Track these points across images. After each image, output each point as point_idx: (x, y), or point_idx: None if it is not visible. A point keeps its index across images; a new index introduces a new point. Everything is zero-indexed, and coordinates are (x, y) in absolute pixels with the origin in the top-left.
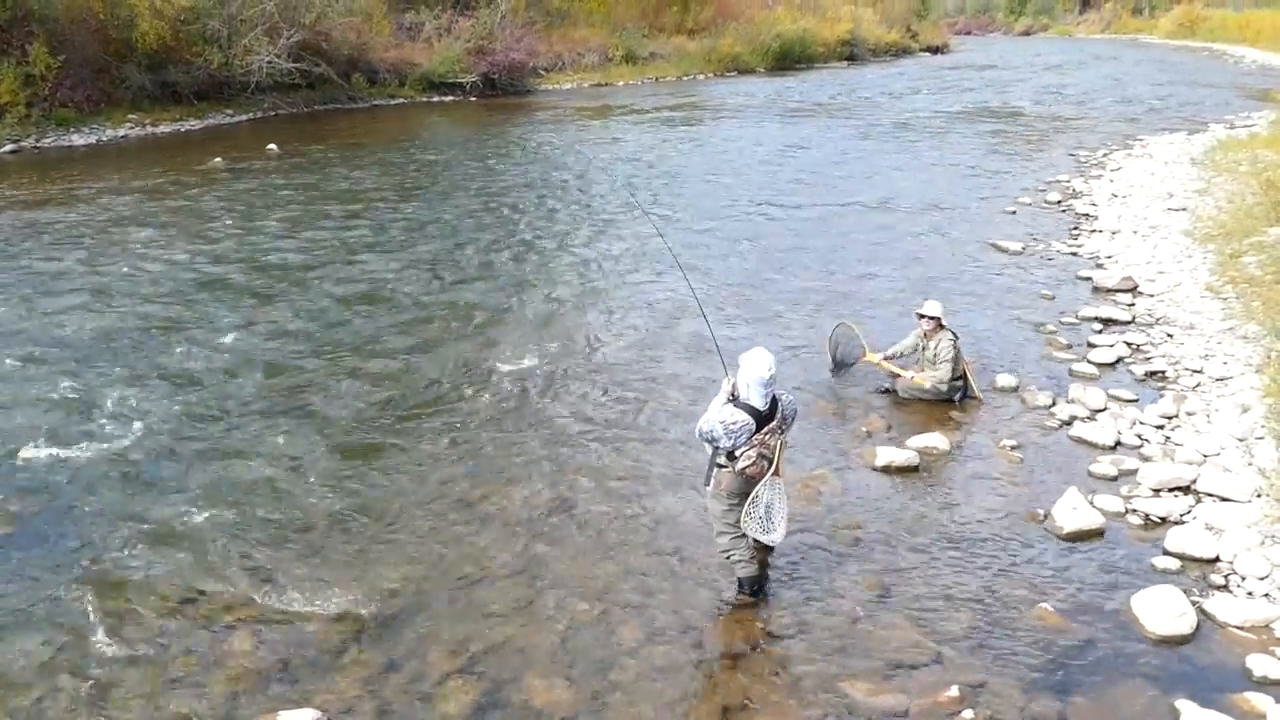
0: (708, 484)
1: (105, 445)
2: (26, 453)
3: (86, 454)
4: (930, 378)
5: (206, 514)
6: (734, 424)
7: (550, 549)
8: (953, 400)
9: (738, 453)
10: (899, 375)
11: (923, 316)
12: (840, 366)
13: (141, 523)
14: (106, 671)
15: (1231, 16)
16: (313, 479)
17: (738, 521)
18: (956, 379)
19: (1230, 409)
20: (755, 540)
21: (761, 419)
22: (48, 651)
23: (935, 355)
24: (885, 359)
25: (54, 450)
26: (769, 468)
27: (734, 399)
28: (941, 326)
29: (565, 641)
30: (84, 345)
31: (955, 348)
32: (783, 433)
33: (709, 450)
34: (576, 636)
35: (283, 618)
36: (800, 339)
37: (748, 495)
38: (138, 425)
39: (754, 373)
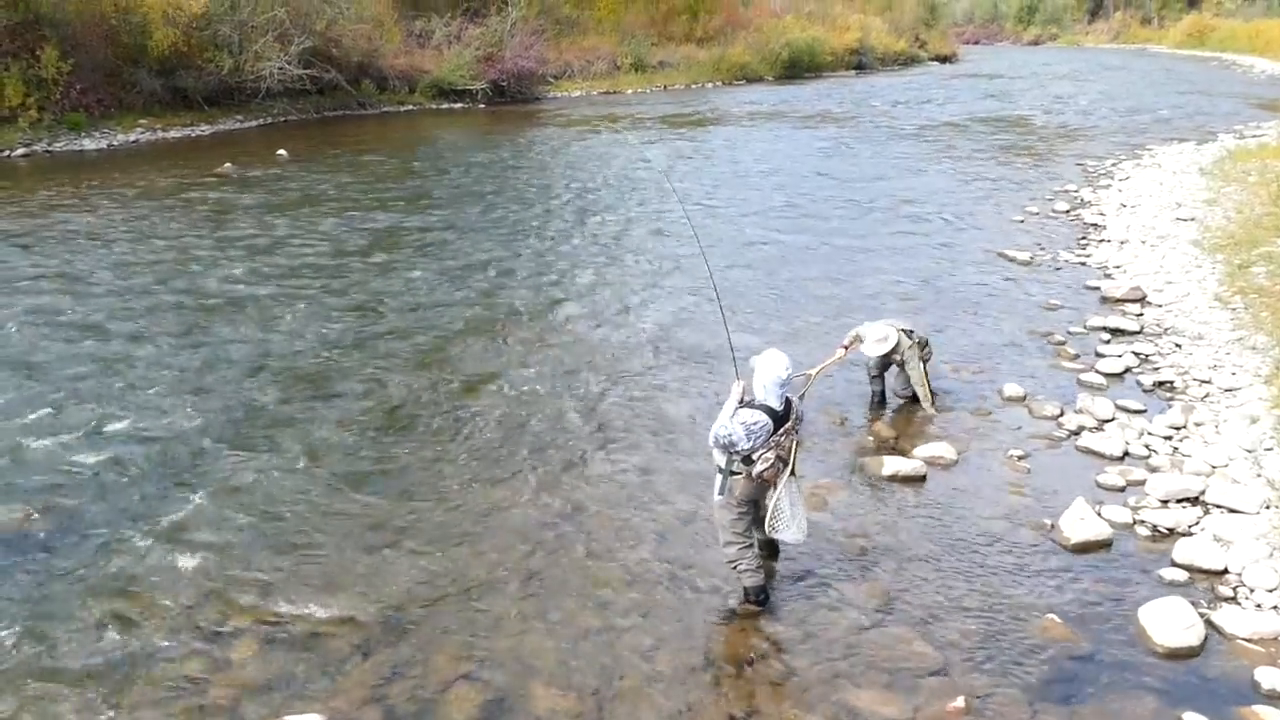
0: (720, 492)
1: (113, 448)
2: (35, 454)
3: (95, 457)
4: (922, 393)
5: (213, 519)
6: (755, 424)
7: (555, 556)
8: (915, 398)
9: (755, 456)
10: (828, 363)
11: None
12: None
13: (148, 526)
14: (112, 673)
15: (1241, 26)
16: (319, 484)
17: (746, 530)
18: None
19: (1239, 420)
20: (780, 540)
21: (778, 420)
22: (54, 652)
23: (903, 362)
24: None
25: (63, 452)
26: (785, 469)
27: (744, 402)
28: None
29: (570, 649)
30: (89, 350)
31: (915, 344)
32: (796, 433)
33: (720, 459)
34: (581, 644)
35: (288, 622)
36: (805, 346)
37: (758, 502)
38: (145, 429)
39: (770, 374)
